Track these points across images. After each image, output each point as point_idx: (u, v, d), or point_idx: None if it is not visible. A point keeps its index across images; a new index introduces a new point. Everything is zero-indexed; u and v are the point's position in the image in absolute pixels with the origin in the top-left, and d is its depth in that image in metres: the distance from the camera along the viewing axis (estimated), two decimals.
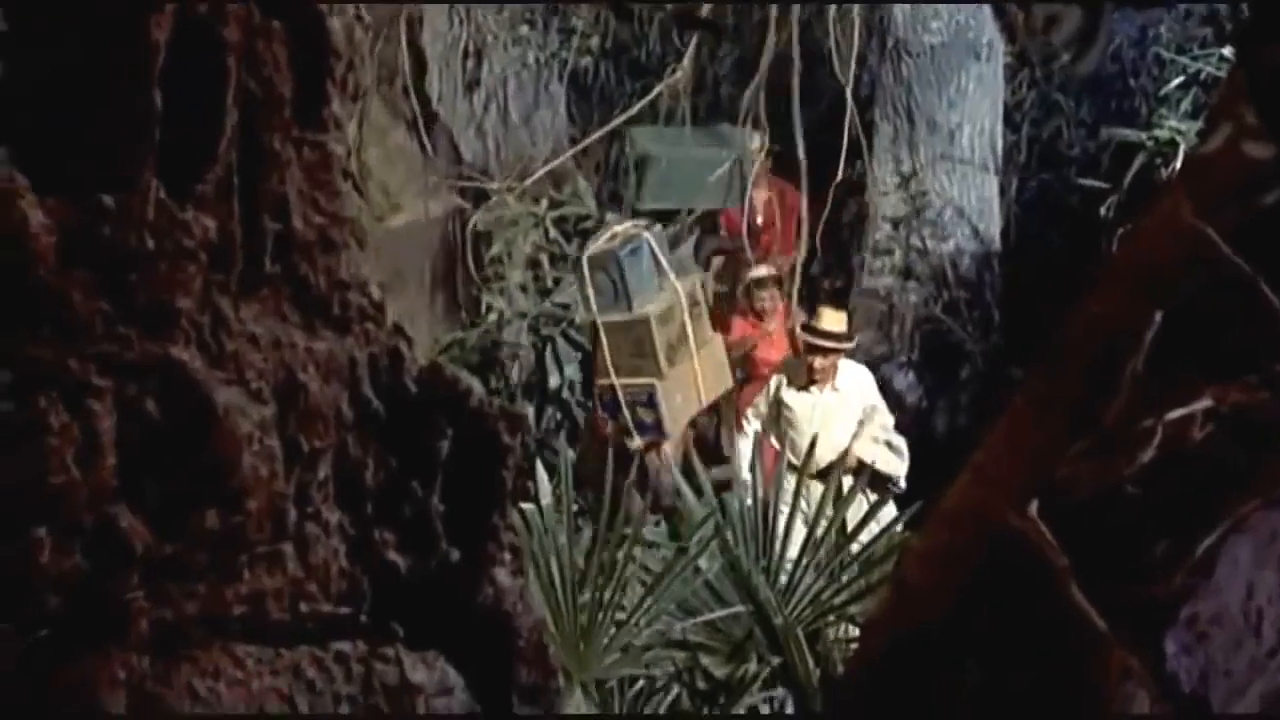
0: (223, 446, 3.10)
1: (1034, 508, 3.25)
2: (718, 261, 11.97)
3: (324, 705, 3.17)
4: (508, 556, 3.44)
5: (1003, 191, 12.55)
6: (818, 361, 9.58)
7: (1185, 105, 12.24)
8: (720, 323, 10.45)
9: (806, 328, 9.73)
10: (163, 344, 3.09)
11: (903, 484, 9.00)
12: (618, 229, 9.36)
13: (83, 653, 3.00)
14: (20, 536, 2.96)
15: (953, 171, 12.09)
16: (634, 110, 11.66)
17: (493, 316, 10.85)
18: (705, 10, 12.37)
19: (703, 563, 5.74)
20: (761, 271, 11.04)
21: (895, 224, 12.08)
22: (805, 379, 9.49)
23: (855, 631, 5.49)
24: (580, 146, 11.97)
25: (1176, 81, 12.41)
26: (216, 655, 3.10)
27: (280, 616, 3.17)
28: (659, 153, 11.43)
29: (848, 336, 9.78)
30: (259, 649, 3.14)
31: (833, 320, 9.66)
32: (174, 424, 3.08)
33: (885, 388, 10.71)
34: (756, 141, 11.20)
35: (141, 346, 3.07)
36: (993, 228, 12.24)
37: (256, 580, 3.15)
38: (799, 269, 10.64)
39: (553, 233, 11.71)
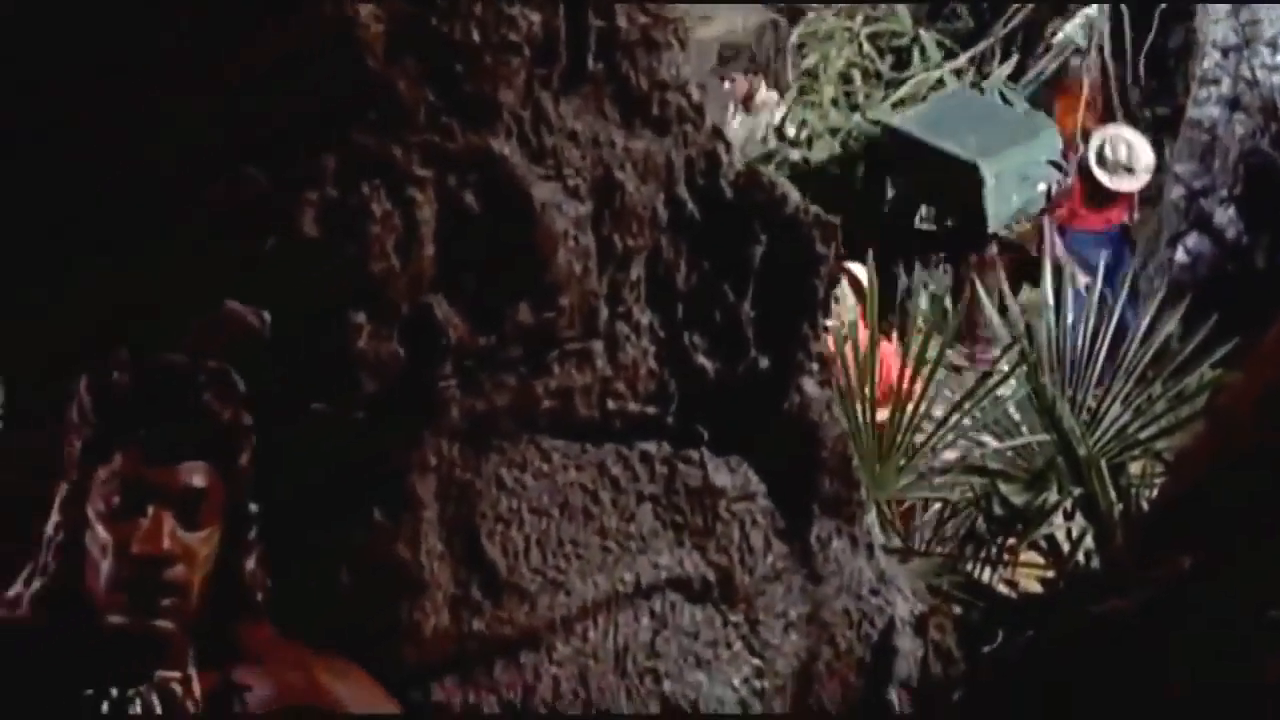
0: (539, 242, 3.12)
1: None
2: None
3: (627, 503, 3.19)
4: (815, 366, 3.42)
5: None
6: None
7: None
8: None
9: None
10: (484, 136, 3.10)
11: None
12: None
13: (396, 437, 3.06)
14: (340, 321, 3.02)
15: None
16: None
17: (804, 131, 10.76)
18: None
19: (1006, 389, 5.63)
20: None
21: (1224, 52, 11.59)
22: None
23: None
24: None
25: None
26: (524, 448, 3.14)
27: (588, 413, 3.20)
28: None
29: None
30: (565, 444, 3.18)
31: None
32: (492, 217, 3.11)
33: (1205, 222, 10.36)
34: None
35: (464, 138, 3.09)
36: None
37: (566, 376, 3.18)
38: None
39: (866, 48, 11.53)
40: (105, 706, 2.39)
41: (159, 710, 2.41)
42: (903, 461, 5.09)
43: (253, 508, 2.51)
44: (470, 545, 3.07)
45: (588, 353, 3.20)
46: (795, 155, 10.67)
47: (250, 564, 2.51)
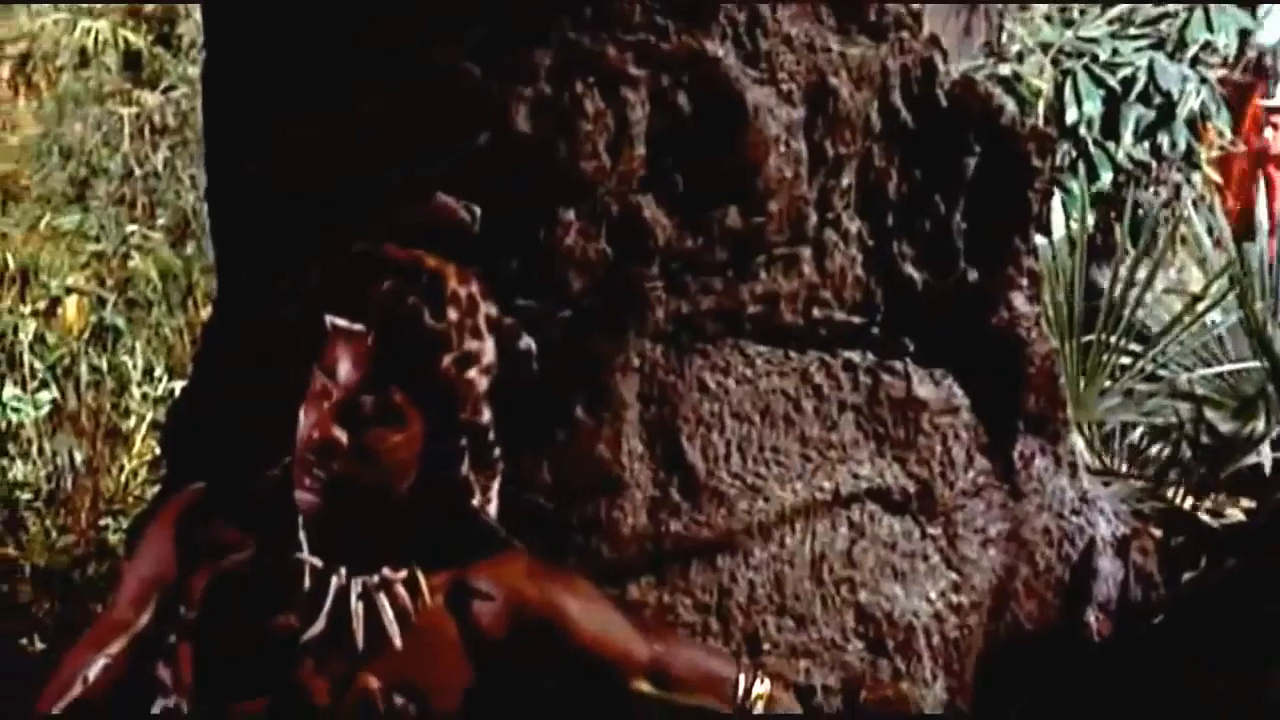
0: (750, 146, 3.10)
1: None
2: None
3: (829, 412, 3.18)
4: (1025, 281, 3.36)
5: None
6: None
7: None
8: None
9: None
10: (699, 38, 3.08)
11: None
12: None
13: (600, 336, 3.07)
14: (549, 218, 3.04)
15: None
16: None
17: (1015, 47, 10.55)
18: None
19: (1216, 315, 5.52)
20: None
21: None
22: None
23: None
24: None
25: None
26: (728, 352, 3.14)
27: (793, 320, 3.18)
28: None
29: None
30: (769, 350, 3.17)
31: None
32: (704, 119, 3.09)
33: None
34: None
35: (678, 39, 3.07)
36: None
37: (772, 281, 3.16)
38: None
39: None
40: (332, 587, 2.43)
41: (386, 607, 2.43)
42: (1107, 383, 5.02)
43: (464, 415, 2.44)
44: (671, 447, 3.07)
45: (795, 259, 3.18)
46: (1005, 70, 10.47)
47: (463, 471, 2.47)
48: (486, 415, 2.48)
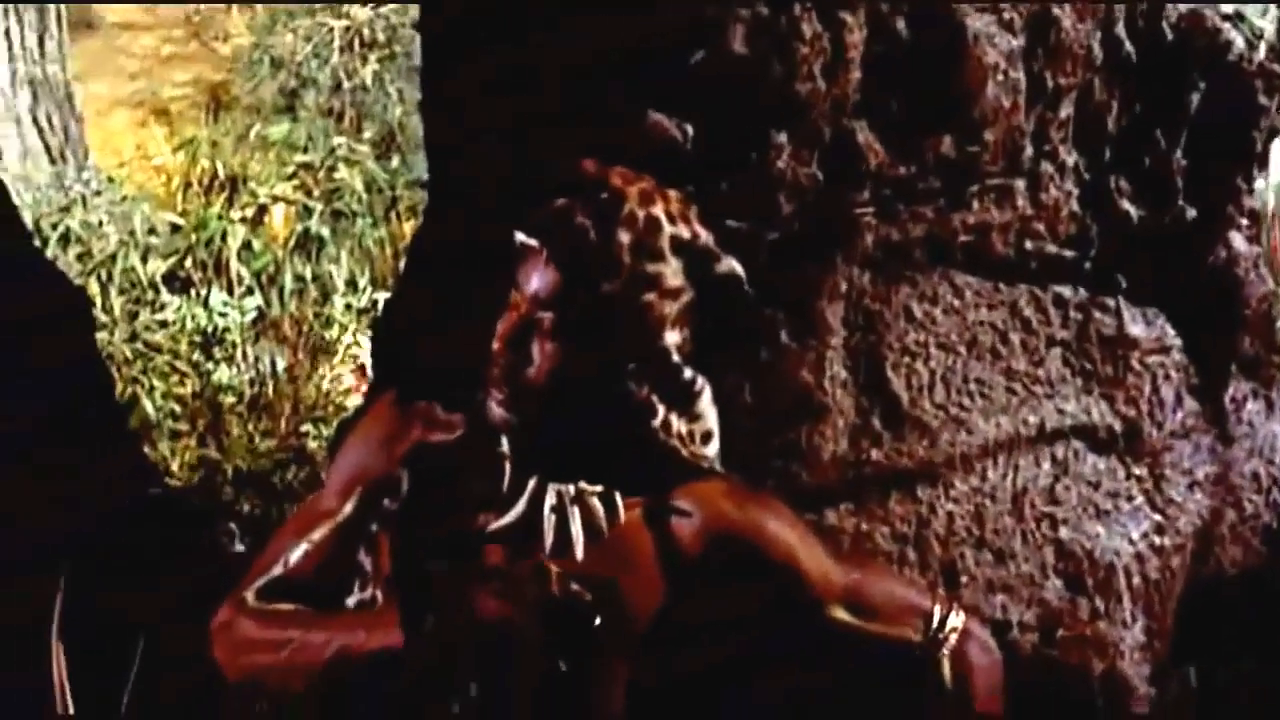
0: (968, 74, 3.06)
1: None
2: None
3: (1036, 346, 3.14)
4: (1245, 221, 3.28)
5: None
6: None
7: None
8: None
9: None
10: None
11: None
12: None
13: (808, 260, 3.06)
14: (761, 140, 3.02)
15: None
16: None
17: None
18: None
19: None
20: None
21: None
22: None
23: None
24: None
25: None
26: (936, 281, 3.11)
27: (1004, 252, 3.14)
28: None
29: None
30: (979, 281, 3.13)
31: None
32: (922, 45, 3.05)
33: None
34: None
35: None
36: None
37: (984, 212, 3.13)
38: None
39: None
40: (527, 491, 2.44)
41: (576, 517, 2.44)
42: None
43: (641, 338, 2.37)
44: (874, 375, 3.06)
45: (1009, 190, 3.14)
46: (1226, 8, 10.21)
47: (642, 393, 2.40)
48: (670, 338, 2.40)
